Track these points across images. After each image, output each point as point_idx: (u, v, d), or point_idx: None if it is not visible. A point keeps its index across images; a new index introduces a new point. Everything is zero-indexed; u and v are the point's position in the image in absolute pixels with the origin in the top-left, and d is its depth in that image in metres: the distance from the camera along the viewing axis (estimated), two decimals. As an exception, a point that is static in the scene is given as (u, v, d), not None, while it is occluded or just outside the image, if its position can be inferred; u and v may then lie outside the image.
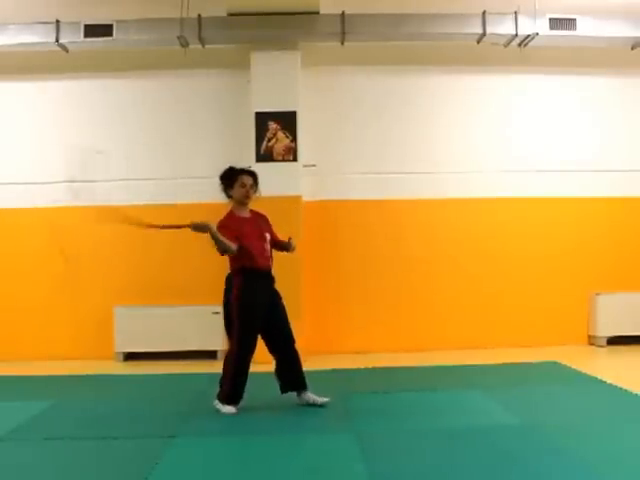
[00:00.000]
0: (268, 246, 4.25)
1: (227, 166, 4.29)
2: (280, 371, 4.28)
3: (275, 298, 4.27)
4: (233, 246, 3.99)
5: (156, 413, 4.25)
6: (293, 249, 4.38)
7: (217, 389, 4.22)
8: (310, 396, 4.27)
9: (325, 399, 4.27)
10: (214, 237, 3.93)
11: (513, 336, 6.57)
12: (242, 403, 4.21)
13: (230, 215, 4.21)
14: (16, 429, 3.91)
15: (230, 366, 4.14)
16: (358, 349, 6.38)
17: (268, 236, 4.27)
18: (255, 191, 4.25)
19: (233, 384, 4.14)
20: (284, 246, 4.38)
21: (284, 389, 4.29)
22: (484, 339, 6.55)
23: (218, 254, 4.08)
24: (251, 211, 4.32)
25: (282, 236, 4.39)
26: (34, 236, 6.53)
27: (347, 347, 6.42)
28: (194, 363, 6.18)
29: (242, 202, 4.23)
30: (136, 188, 6.52)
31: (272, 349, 4.27)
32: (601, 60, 6.69)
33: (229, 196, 4.25)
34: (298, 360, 4.27)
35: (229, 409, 4.15)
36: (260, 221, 4.31)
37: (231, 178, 4.21)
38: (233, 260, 4.15)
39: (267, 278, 4.23)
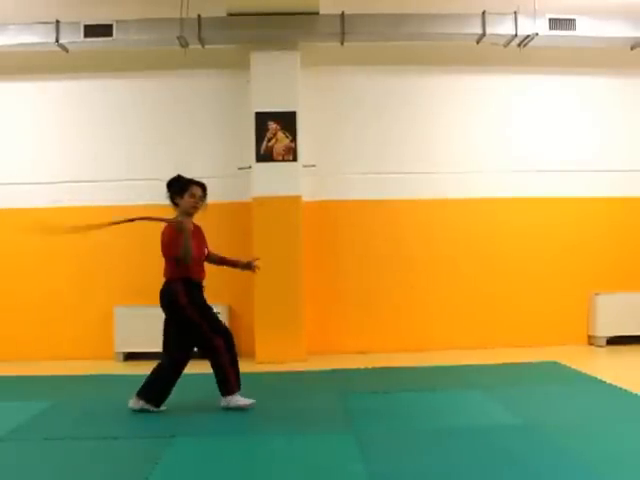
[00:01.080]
0: (204, 260, 4.36)
1: (176, 174, 4.36)
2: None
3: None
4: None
5: (156, 413, 4.25)
6: (252, 269, 4.50)
7: (220, 388, 4.23)
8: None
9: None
10: (187, 240, 4.00)
11: (513, 336, 6.57)
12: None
13: (176, 225, 4.22)
14: (16, 429, 3.91)
15: (224, 357, 4.19)
16: (358, 349, 6.38)
17: (206, 251, 4.38)
18: (203, 203, 4.29)
19: (235, 370, 4.19)
20: (232, 263, 4.53)
21: None
22: (484, 339, 6.55)
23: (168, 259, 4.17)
24: (195, 225, 4.37)
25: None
26: (34, 236, 6.52)
27: (347, 347, 6.43)
28: (194, 363, 6.15)
29: (189, 212, 4.27)
30: (136, 188, 6.52)
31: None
32: (601, 60, 6.69)
33: (175, 204, 4.28)
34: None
35: (244, 401, 4.16)
36: (200, 235, 4.38)
37: (182, 187, 4.25)
38: (175, 269, 4.21)
39: (201, 289, 4.33)
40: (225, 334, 4.22)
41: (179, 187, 4.25)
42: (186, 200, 4.22)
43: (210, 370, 5.87)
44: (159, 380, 4.25)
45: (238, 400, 4.18)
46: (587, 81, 6.82)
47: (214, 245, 6.53)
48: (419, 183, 6.64)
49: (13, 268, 6.53)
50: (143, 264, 6.52)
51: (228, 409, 4.20)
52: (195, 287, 4.24)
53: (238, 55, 6.43)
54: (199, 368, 5.88)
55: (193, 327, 4.19)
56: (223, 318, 6.33)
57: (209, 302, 6.10)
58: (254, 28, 6.12)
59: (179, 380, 4.34)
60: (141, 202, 6.51)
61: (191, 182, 4.28)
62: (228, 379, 4.19)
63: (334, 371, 5.52)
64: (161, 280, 6.45)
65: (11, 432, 3.84)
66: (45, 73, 6.58)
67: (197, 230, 4.36)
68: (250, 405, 4.17)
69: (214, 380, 4.29)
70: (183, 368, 4.30)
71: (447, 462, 3.19)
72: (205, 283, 4.35)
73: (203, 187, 4.30)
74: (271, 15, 6.04)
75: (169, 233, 4.14)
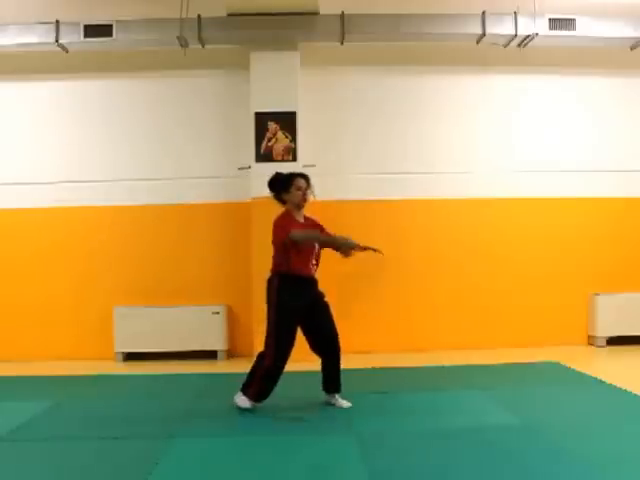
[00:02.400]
0: (316, 252, 4.24)
1: (273, 173, 4.28)
2: (323, 371, 4.32)
3: (316, 298, 4.27)
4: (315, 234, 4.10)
5: (156, 413, 4.25)
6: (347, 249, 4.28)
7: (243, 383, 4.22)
8: (336, 397, 4.30)
9: (347, 404, 4.28)
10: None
11: (513, 336, 6.57)
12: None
13: (289, 215, 4.18)
14: (16, 429, 3.91)
15: (266, 366, 4.09)
16: (358, 349, 6.38)
17: (317, 245, 4.25)
18: (311, 193, 4.24)
19: (264, 384, 4.13)
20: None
21: (326, 390, 4.34)
22: (484, 339, 6.55)
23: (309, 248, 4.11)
24: (305, 217, 4.32)
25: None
26: (34, 236, 6.53)
27: (347, 347, 6.38)
28: (194, 363, 6.18)
29: (299, 206, 4.23)
30: (136, 188, 6.53)
31: (314, 348, 4.29)
32: (600, 60, 6.69)
33: (283, 201, 4.22)
34: (337, 363, 4.28)
35: (245, 403, 4.15)
36: (313, 225, 4.30)
37: (286, 182, 4.19)
38: (278, 263, 4.16)
39: (309, 284, 4.23)
40: (279, 346, 4.09)
41: (283, 183, 4.18)
42: (294, 194, 4.17)
43: (210, 370, 5.91)
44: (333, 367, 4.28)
45: (242, 400, 4.17)
46: (587, 81, 6.82)
47: (214, 245, 6.59)
48: (419, 183, 6.64)
49: (13, 268, 6.52)
50: (143, 264, 6.55)
51: (229, 409, 4.20)
52: (298, 282, 4.14)
53: (238, 55, 6.43)
54: (199, 368, 5.90)
55: (268, 322, 4.13)
56: (223, 318, 6.37)
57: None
58: (254, 28, 6.12)
59: (179, 380, 4.33)
60: (141, 202, 6.54)
61: (293, 175, 4.23)
62: (251, 384, 4.15)
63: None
64: (161, 280, 6.51)
65: (11, 432, 3.84)
66: (45, 73, 6.58)
67: (309, 224, 4.29)
68: (246, 408, 4.15)
69: (213, 380, 4.29)
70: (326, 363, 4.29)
71: (447, 462, 3.19)
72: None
73: (306, 178, 4.24)
74: (271, 15, 6.04)
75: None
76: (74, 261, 6.54)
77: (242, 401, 4.18)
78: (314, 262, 4.24)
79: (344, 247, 4.08)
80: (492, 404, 4.29)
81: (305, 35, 6.27)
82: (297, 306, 4.12)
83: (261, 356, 4.16)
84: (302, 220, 4.27)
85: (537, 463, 3.13)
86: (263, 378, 4.10)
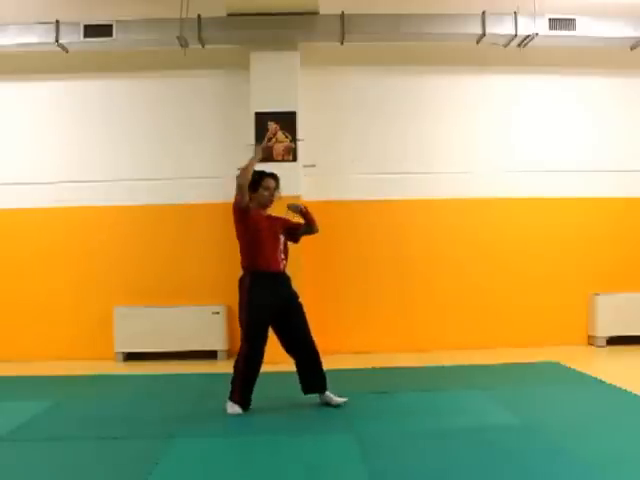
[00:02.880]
0: (281, 247, 4.23)
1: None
2: (299, 372, 4.30)
3: (290, 299, 4.26)
4: (246, 177, 4.00)
5: (156, 413, 4.25)
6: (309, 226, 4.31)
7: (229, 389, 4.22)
8: (328, 396, 4.29)
9: (342, 399, 4.28)
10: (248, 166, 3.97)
11: (513, 336, 6.57)
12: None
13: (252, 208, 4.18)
14: (16, 429, 3.91)
15: (239, 366, 4.14)
16: (358, 349, 6.38)
17: (282, 238, 4.25)
18: (277, 194, 4.24)
19: (242, 380, 4.13)
20: (306, 228, 4.34)
21: (304, 391, 4.32)
22: (484, 339, 6.55)
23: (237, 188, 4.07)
24: (268, 215, 4.31)
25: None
26: (34, 236, 6.53)
27: (347, 347, 6.42)
28: (194, 363, 6.18)
29: (265, 206, 4.23)
30: (136, 188, 6.53)
31: (288, 350, 4.28)
32: (600, 60, 6.69)
33: (251, 197, 4.18)
34: (314, 361, 4.27)
35: (235, 409, 4.14)
36: (275, 221, 4.28)
37: (254, 181, 4.16)
38: (245, 261, 4.17)
39: (278, 280, 4.20)
40: (250, 350, 4.10)
41: (252, 182, 4.14)
42: (261, 194, 4.17)
43: (210, 370, 5.91)
44: (315, 366, 4.29)
45: (230, 406, 4.15)
46: (587, 81, 6.82)
47: (214, 245, 6.58)
48: (419, 183, 6.64)
49: (13, 268, 6.52)
50: (143, 264, 6.55)
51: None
52: (267, 279, 4.13)
53: (238, 55, 6.43)
54: (199, 368, 5.90)
55: (240, 321, 4.17)
56: (223, 318, 6.37)
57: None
58: (254, 28, 6.12)
59: (179, 380, 4.33)
60: (141, 202, 6.54)
61: (263, 175, 4.20)
62: (234, 387, 4.16)
63: (334, 371, 5.49)
64: (161, 280, 6.51)
65: (11, 432, 3.84)
66: (45, 73, 6.58)
67: (272, 220, 4.26)
68: (237, 414, 4.13)
69: (213, 380, 4.30)
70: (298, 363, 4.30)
71: (447, 462, 3.19)
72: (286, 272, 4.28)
73: (275, 178, 4.23)
74: (271, 15, 6.04)
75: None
76: (74, 261, 6.54)
77: (230, 407, 4.16)
78: (282, 257, 4.21)
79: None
80: (492, 404, 4.29)
81: (305, 35, 6.27)
82: (268, 304, 4.11)
83: (236, 360, 4.19)
84: (266, 216, 4.26)
85: (537, 463, 3.14)
86: (240, 373, 4.12)
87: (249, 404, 4.18)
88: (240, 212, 4.11)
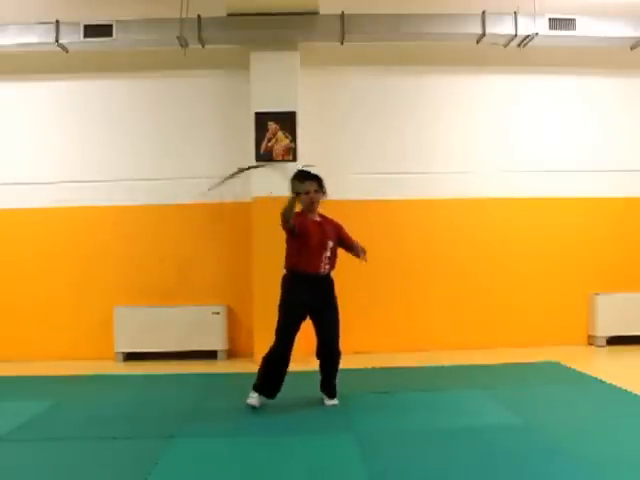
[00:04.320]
0: (328, 253, 4.26)
1: (297, 169, 4.34)
2: (320, 371, 4.37)
3: (326, 299, 4.30)
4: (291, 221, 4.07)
5: (156, 413, 4.25)
6: (360, 254, 4.43)
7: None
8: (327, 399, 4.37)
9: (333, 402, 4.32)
10: (289, 203, 4.02)
11: (513, 336, 6.57)
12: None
13: (301, 214, 4.24)
14: (16, 429, 3.91)
15: (263, 359, 4.22)
16: (358, 349, 6.38)
17: (331, 243, 4.27)
18: (322, 194, 4.28)
19: (266, 370, 4.20)
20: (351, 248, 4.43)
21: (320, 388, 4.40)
22: (484, 339, 6.55)
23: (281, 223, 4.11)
24: (321, 216, 4.34)
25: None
26: (34, 236, 6.53)
27: (347, 347, 6.39)
28: (194, 363, 6.18)
29: (309, 209, 4.27)
30: (136, 188, 6.52)
31: (316, 352, 4.34)
32: (600, 60, 6.69)
33: (299, 201, 4.25)
34: (331, 372, 4.33)
35: (253, 401, 4.19)
36: (327, 227, 4.31)
37: (296, 187, 4.21)
38: (287, 261, 4.25)
39: (316, 281, 4.24)
40: (277, 345, 4.18)
41: (294, 188, 4.20)
42: (302, 198, 4.22)
43: (210, 370, 5.91)
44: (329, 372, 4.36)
45: (250, 397, 4.22)
46: (587, 81, 6.82)
47: (214, 245, 6.58)
48: (419, 183, 6.63)
49: (13, 268, 6.52)
50: (143, 264, 6.54)
51: (229, 409, 4.21)
52: (305, 280, 4.18)
53: (238, 55, 6.43)
54: (199, 368, 5.91)
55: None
56: (223, 318, 6.37)
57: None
58: (254, 28, 6.11)
59: (179, 380, 4.33)
60: (141, 202, 6.53)
61: (304, 179, 4.23)
62: (258, 377, 4.23)
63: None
64: (161, 280, 6.51)
65: (11, 432, 3.85)
66: (45, 73, 6.57)
67: (324, 223, 4.31)
68: (253, 405, 4.19)
69: (213, 380, 4.31)
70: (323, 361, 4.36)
71: (447, 462, 3.19)
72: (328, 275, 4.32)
73: (315, 179, 4.26)
74: (271, 15, 6.04)
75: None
76: (74, 261, 6.54)
77: (250, 398, 4.21)
78: (325, 261, 4.25)
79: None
80: (492, 404, 4.29)
81: (305, 35, 6.27)
82: (299, 303, 4.17)
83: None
84: (317, 219, 4.30)
85: (537, 463, 3.14)
86: (265, 364, 4.19)
87: (274, 395, 4.22)
88: (286, 231, 4.20)
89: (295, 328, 4.20)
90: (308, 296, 4.18)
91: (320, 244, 4.21)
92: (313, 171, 4.31)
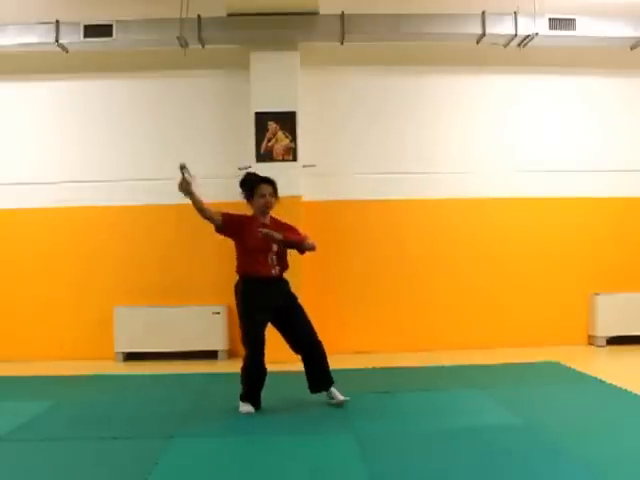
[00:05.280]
0: (273, 255, 4.23)
1: (245, 173, 4.33)
2: (306, 371, 4.34)
3: (286, 300, 4.28)
4: (207, 212, 4.21)
5: (156, 413, 4.25)
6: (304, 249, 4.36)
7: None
8: (332, 392, 4.32)
9: (343, 398, 4.29)
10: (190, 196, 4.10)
11: (513, 336, 6.57)
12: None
13: (252, 215, 4.25)
14: (16, 429, 3.91)
15: (242, 369, 4.22)
16: (358, 349, 6.38)
17: (275, 247, 4.24)
18: (275, 199, 4.26)
19: (246, 383, 4.22)
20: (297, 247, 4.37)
21: (311, 389, 4.36)
22: (484, 339, 6.55)
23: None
24: (271, 219, 4.33)
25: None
26: (35, 236, 6.53)
27: (347, 347, 6.42)
28: (194, 363, 6.18)
29: (263, 212, 4.26)
30: (136, 188, 6.52)
31: (294, 348, 4.32)
32: (600, 60, 6.69)
33: (250, 204, 4.27)
34: (320, 357, 4.29)
35: (246, 409, 4.18)
36: (279, 227, 4.29)
37: (250, 188, 4.23)
38: (237, 267, 4.27)
39: (269, 284, 4.22)
40: (249, 350, 4.17)
41: (248, 189, 4.23)
42: (256, 201, 4.22)
43: (210, 370, 5.91)
44: (320, 363, 4.32)
45: (241, 406, 4.22)
46: (587, 81, 6.82)
47: (214, 245, 6.57)
48: (419, 183, 6.64)
49: (14, 268, 6.52)
50: (143, 264, 6.54)
51: (229, 409, 4.21)
52: (258, 283, 4.18)
53: (238, 55, 6.43)
54: (199, 368, 5.90)
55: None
56: (223, 318, 6.37)
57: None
58: (254, 28, 6.12)
59: (179, 380, 4.33)
60: (142, 202, 6.53)
61: (257, 182, 4.25)
62: (242, 387, 4.24)
63: (334, 371, 5.49)
64: (161, 280, 6.50)
65: (11, 432, 3.84)
66: (45, 73, 6.57)
67: (273, 225, 4.29)
68: (249, 412, 4.18)
69: (213, 380, 4.31)
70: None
71: (447, 462, 3.19)
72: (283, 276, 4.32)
73: (271, 183, 4.26)
74: (271, 15, 6.04)
75: None
76: (74, 261, 6.54)
77: (241, 406, 4.22)
78: (274, 262, 4.22)
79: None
80: (492, 404, 4.29)
81: (305, 35, 6.27)
82: (259, 306, 4.15)
83: (243, 363, 4.25)
84: (266, 222, 4.27)
85: (537, 463, 3.13)
86: (244, 377, 4.21)
87: (258, 405, 4.22)
88: (220, 233, 4.27)
89: (260, 335, 4.16)
90: (264, 299, 4.16)
91: (263, 246, 4.18)
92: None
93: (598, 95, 6.83)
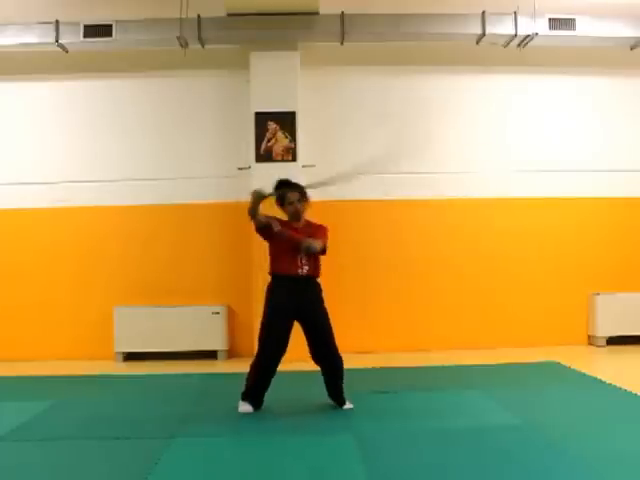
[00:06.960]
0: (302, 254, 4.20)
1: (277, 179, 4.33)
2: (324, 380, 4.31)
3: (313, 304, 4.25)
4: (263, 220, 4.13)
5: (156, 413, 4.25)
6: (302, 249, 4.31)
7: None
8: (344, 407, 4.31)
9: (348, 406, 4.28)
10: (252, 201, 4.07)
11: (513, 336, 6.57)
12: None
13: (285, 222, 4.28)
14: (16, 429, 3.91)
15: (251, 367, 4.20)
16: (358, 349, 6.38)
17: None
18: (305, 203, 4.28)
19: (251, 379, 4.20)
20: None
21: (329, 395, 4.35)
22: (484, 339, 6.55)
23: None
24: (306, 221, 4.34)
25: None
26: (34, 236, 6.53)
27: (347, 347, 6.39)
28: (194, 363, 6.18)
29: (295, 218, 4.28)
30: (136, 188, 6.53)
31: (313, 357, 4.29)
32: (600, 60, 6.69)
33: (284, 210, 4.30)
34: (333, 378, 4.27)
35: (245, 408, 4.18)
36: (308, 230, 4.28)
37: (280, 196, 4.25)
38: (269, 266, 4.27)
39: (297, 282, 4.20)
40: (263, 351, 4.15)
41: (280, 199, 4.27)
42: (287, 208, 4.27)
43: (210, 370, 5.91)
44: (334, 378, 4.29)
45: (241, 404, 4.21)
46: (587, 81, 6.82)
47: (214, 245, 6.59)
48: (419, 183, 6.64)
49: (14, 268, 6.52)
50: (143, 264, 6.55)
51: (229, 409, 4.20)
52: (286, 283, 4.18)
53: (238, 55, 6.43)
54: (199, 368, 5.91)
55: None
56: (223, 318, 6.37)
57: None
58: (254, 28, 6.12)
59: (179, 380, 4.32)
60: (141, 202, 6.54)
61: (287, 190, 4.26)
62: (246, 384, 4.23)
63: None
64: (161, 280, 6.50)
65: (11, 432, 3.84)
66: (45, 73, 6.58)
67: (306, 227, 4.30)
68: (247, 412, 4.17)
69: (213, 380, 4.30)
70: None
71: (447, 462, 3.19)
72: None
73: (297, 188, 4.29)
74: (271, 15, 6.04)
75: None
76: (74, 261, 6.54)
77: (241, 405, 4.20)
78: (302, 262, 4.21)
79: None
80: (492, 404, 4.29)
81: (305, 35, 6.27)
82: (282, 306, 4.14)
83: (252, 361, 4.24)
84: (299, 226, 4.28)
85: (536, 463, 3.13)
86: (251, 372, 4.19)
87: (259, 405, 4.21)
88: (260, 234, 4.26)
89: (278, 334, 4.13)
90: (289, 297, 4.15)
91: (290, 246, 4.17)
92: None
93: (598, 95, 6.83)
